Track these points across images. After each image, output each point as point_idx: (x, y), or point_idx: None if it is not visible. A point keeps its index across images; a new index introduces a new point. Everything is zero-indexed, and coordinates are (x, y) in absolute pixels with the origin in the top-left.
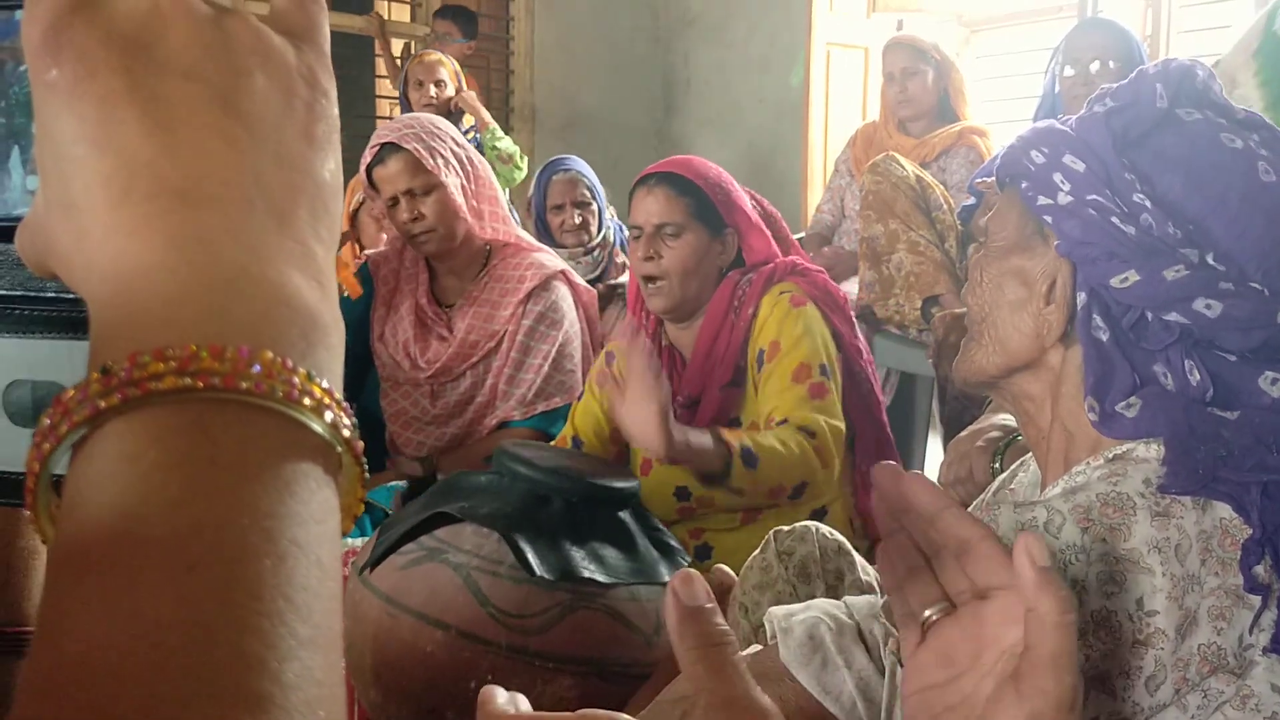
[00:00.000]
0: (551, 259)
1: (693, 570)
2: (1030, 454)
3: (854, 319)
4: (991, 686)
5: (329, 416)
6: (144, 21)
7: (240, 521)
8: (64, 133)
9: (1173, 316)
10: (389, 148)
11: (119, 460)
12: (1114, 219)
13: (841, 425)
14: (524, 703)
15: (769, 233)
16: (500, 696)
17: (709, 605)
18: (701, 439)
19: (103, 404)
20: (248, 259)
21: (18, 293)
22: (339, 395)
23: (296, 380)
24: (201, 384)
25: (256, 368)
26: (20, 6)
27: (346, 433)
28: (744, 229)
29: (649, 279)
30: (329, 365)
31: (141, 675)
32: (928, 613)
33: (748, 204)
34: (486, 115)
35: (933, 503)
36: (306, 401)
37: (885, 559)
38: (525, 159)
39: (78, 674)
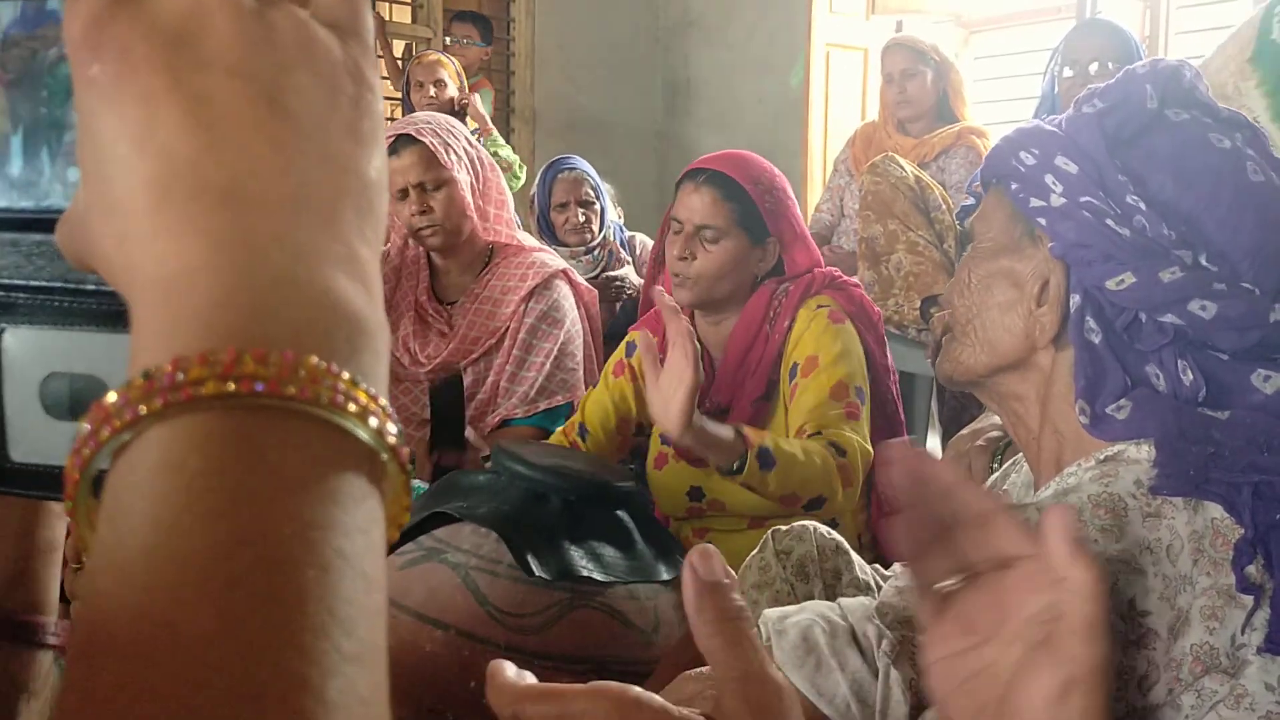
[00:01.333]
0: (553, 258)
1: (710, 546)
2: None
3: (884, 337)
4: (1018, 653)
5: (374, 423)
6: (187, 16)
7: (283, 532)
8: (105, 131)
9: (1168, 318)
10: (404, 139)
11: (160, 468)
12: (1109, 221)
13: (870, 449)
14: (530, 677)
15: (813, 244)
16: (509, 669)
17: (726, 581)
18: (720, 429)
19: (144, 409)
20: (293, 262)
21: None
22: (384, 401)
23: (341, 386)
24: (245, 389)
25: (302, 373)
26: None
27: (392, 439)
28: (788, 240)
29: (679, 274)
30: (374, 370)
31: (182, 694)
32: (948, 581)
33: (798, 213)
34: (487, 120)
35: (952, 477)
36: (351, 408)
37: (904, 531)
38: (524, 169)
39: (117, 693)
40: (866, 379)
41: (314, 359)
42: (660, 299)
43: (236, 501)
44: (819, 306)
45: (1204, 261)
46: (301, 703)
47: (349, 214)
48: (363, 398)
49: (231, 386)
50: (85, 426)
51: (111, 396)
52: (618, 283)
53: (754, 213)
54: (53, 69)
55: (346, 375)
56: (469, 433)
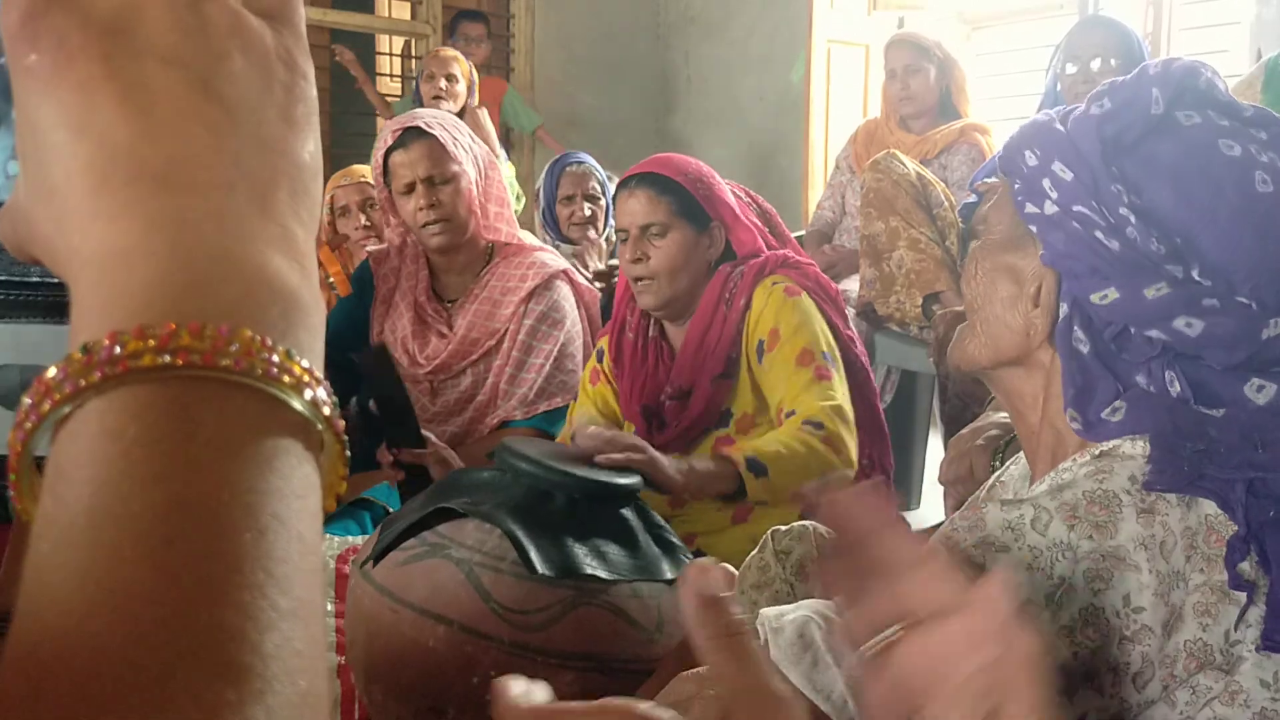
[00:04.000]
0: (554, 258)
1: (709, 560)
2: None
3: (845, 310)
4: None
5: (309, 394)
6: (122, 6)
7: (220, 496)
8: (43, 119)
9: (1154, 333)
10: (412, 132)
11: (100, 437)
12: (1098, 233)
13: (845, 405)
14: (541, 692)
15: (757, 226)
16: (515, 688)
17: (726, 595)
18: (706, 465)
19: (83, 382)
20: (229, 241)
21: (3, 278)
22: (320, 374)
23: (276, 358)
24: (181, 361)
25: (235, 346)
26: None
27: (327, 410)
28: (729, 222)
29: (638, 278)
30: (310, 345)
31: (122, 647)
32: (879, 638)
33: (731, 197)
34: (494, 139)
35: (882, 519)
36: (286, 379)
37: (835, 577)
38: (522, 200)
39: (59, 647)
40: (833, 345)
41: (248, 332)
42: (578, 436)
43: (174, 467)
44: (774, 284)
45: (1197, 276)
46: (239, 655)
47: (283, 195)
48: (297, 370)
49: (168, 359)
50: (26, 401)
51: (52, 371)
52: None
53: (690, 201)
54: None
55: (281, 348)
56: (426, 434)
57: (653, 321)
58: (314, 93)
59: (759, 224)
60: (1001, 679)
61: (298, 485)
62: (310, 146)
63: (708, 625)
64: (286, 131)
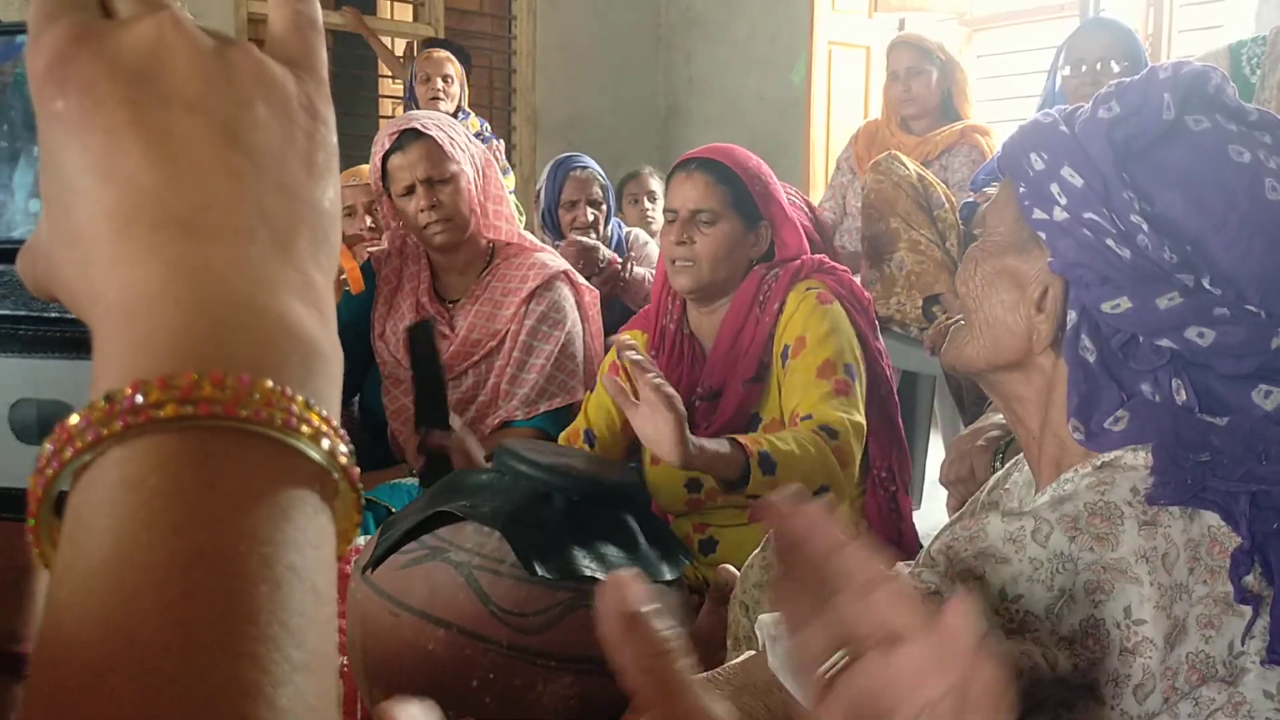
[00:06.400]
0: (554, 259)
1: (626, 573)
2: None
3: (875, 320)
4: None
5: (326, 444)
6: (148, 53)
7: (238, 548)
8: (69, 163)
9: (1164, 342)
10: (409, 134)
11: (120, 486)
12: (1109, 241)
13: (863, 422)
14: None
15: (807, 229)
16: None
17: (648, 610)
18: (718, 446)
19: (105, 431)
20: (250, 288)
21: (22, 313)
22: (337, 423)
23: (295, 408)
24: (203, 412)
25: (256, 396)
26: (21, 31)
27: (343, 460)
28: (779, 223)
29: (676, 259)
30: (328, 393)
31: (138, 700)
32: (832, 661)
33: (785, 198)
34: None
35: (833, 537)
36: (304, 429)
37: (784, 598)
38: (523, 216)
39: (76, 698)
40: (857, 357)
41: (269, 383)
42: (621, 351)
43: (194, 518)
44: (808, 289)
45: (1207, 285)
46: (254, 709)
47: (304, 243)
48: (315, 420)
49: (190, 409)
50: (48, 447)
51: (74, 418)
52: (591, 250)
53: (746, 196)
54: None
55: (300, 398)
56: (454, 419)
57: (685, 319)
58: (334, 139)
59: (811, 230)
60: (964, 706)
61: (313, 536)
62: (330, 194)
63: (629, 646)
64: (307, 178)
